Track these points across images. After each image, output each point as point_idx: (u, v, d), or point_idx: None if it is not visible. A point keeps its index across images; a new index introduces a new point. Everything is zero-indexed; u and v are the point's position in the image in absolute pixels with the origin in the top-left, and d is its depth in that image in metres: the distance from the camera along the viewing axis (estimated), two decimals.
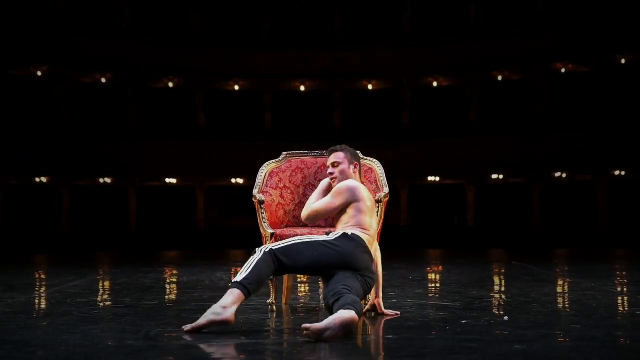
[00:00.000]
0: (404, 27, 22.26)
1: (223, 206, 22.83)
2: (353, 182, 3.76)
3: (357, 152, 4.06)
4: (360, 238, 3.56)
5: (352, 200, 3.68)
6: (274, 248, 3.40)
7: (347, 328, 2.95)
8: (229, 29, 22.48)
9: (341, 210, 3.72)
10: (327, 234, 3.60)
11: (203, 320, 3.16)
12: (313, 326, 2.89)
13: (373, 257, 3.67)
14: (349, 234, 3.55)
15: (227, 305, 3.17)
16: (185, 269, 8.70)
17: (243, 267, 3.33)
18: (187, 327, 3.18)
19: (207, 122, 22.24)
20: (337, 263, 3.43)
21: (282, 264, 3.36)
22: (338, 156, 3.90)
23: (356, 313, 3.00)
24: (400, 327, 3.34)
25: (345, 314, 2.95)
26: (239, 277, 3.27)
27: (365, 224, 3.64)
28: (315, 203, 3.82)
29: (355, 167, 3.90)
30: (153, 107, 22.25)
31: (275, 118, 22.54)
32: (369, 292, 3.57)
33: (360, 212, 3.65)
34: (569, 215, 21.13)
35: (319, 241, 3.49)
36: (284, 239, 4.14)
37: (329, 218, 4.07)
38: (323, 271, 3.47)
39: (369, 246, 3.60)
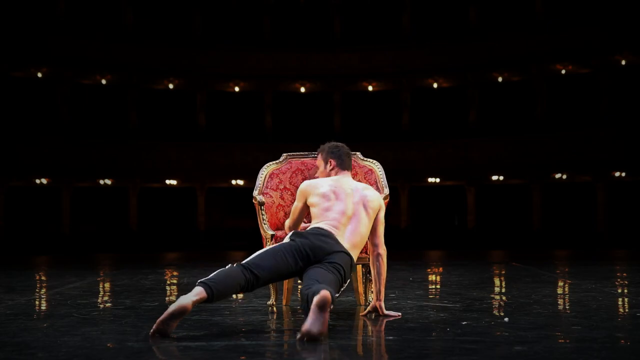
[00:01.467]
0: (404, 29, 22.28)
1: (223, 207, 22.84)
2: (307, 180, 3.90)
3: (337, 146, 3.99)
4: (320, 228, 3.58)
5: (307, 194, 3.78)
6: (243, 262, 3.42)
7: (324, 309, 2.93)
8: (230, 31, 22.51)
9: (308, 209, 3.82)
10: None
11: (164, 314, 3.11)
12: (301, 331, 2.90)
13: (340, 240, 3.60)
14: (309, 229, 3.61)
15: (184, 297, 3.15)
16: (186, 270, 8.69)
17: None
18: (152, 330, 3.11)
19: (207, 123, 22.26)
20: (297, 256, 3.45)
21: (255, 275, 3.35)
22: (317, 158, 4.03)
23: (327, 292, 2.99)
24: (400, 329, 3.34)
25: (316, 299, 2.95)
26: (203, 279, 3.26)
27: (329, 214, 3.66)
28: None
29: (330, 164, 3.92)
30: (154, 109, 22.27)
31: (276, 119, 22.56)
32: (347, 274, 3.51)
33: (321, 203, 3.71)
34: (569, 216, 21.14)
35: (279, 244, 3.55)
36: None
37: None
38: (292, 271, 3.46)
39: (333, 231, 3.59)
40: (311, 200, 3.76)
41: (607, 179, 20.16)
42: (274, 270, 3.42)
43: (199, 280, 3.26)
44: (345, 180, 3.85)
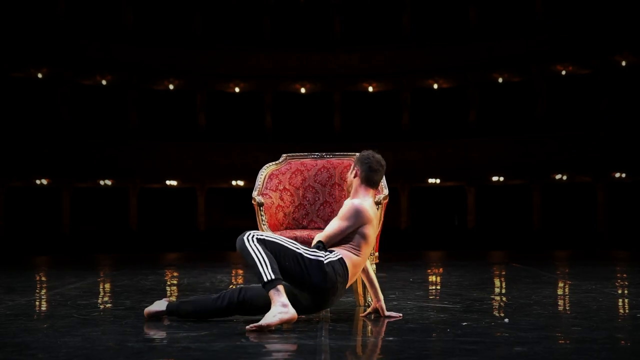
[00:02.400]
0: (404, 29, 22.28)
1: (223, 207, 22.84)
2: (360, 205, 3.58)
3: (369, 156, 3.75)
4: (342, 266, 3.48)
5: (361, 223, 3.56)
6: (259, 237, 3.37)
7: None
8: (230, 31, 22.51)
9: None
10: (319, 247, 3.53)
11: (274, 319, 3.22)
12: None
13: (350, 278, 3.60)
14: (334, 264, 3.45)
15: (287, 303, 3.26)
16: (186, 271, 8.69)
17: (256, 262, 3.31)
18: (252, 326, 3.23)
19: (207, 123, 22.26)
20: (294, 281, 3.42)
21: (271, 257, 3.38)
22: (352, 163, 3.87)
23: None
24: (400, 329, 3.34)
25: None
26: (269, 273, 3.28)
27: (362, 244, 3.56)
28: (327, 229, 3.63)
29: (354, 172, 3.73)
30: (154, 109, 22.27)
31: (276, 119, 22.56)
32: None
33: (365, 237, 3.56)
34: (569, 216, 21.14)
35: (299, 253, 3.43)
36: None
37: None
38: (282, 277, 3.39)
39: (352, 272, 3.54)
40: (367, 230, 3.56)
41: (607, 179, 20.15)
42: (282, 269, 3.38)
43: (268, 280, 3.30)
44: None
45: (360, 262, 3.60)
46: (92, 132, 21.39)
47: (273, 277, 3.27)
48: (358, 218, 3.55)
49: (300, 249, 3.45)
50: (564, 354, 2.68)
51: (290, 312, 3.24)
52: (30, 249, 18.49)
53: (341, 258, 3.50)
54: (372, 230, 3.60)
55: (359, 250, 3.56)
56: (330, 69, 22.06)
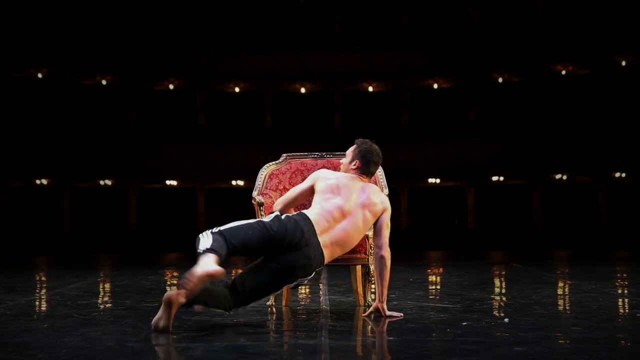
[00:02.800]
0: (404, 29, 22.28)
1: (223, 207, 22.84)
2: (326, 169, 3.97)
3: (370, 150, 3.94)
4: (305, 217, 3.54)
5: (317, 178, 3.81)
6: (220, 229, 3.43)
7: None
8: (230, 31, 22.51)
9: (312, 195, 3.81)
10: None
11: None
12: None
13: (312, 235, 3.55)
14: (290, 215, 3.59)
15: (211, 262, 3.28)
16: (186, 271, 8.68)
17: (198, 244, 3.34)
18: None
19: (207, 123, 22.26)
20: (263, 242, 3.42)
21: (232, 244, 3.38)
22: (349, 149, 3.99)
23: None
24: (400, 329, 3.35)
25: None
26: (205, 244, 3.31)
27: (325, 204, 3.66)
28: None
29: (355, 164, 3.91)
30: (154, 109, 22.27)
31: (276, 119, 22.56)
32: (298, 272, 3.49)
33: (324, 191, 3.72)
34: (569, 216, 21.13)
35: (257, 221, 3.52)
36: None
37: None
38: (256, 251, 3.46)
39: (321, 225, 3.57)
40: (318, 184, 3.78)
41: (607, 179, 20.15)
42: (241, 245, 3.40)
43: (200, 250, 3.30)
44: (356, 181, 3.85)
45: (326, 215, 3.60)
46: (92, 132, 21.38)
47: (207, 247, 3.30)
48: (314, 175, 3.85)
49: (259, 220, 3.55)
50: (564, 354, 2.68)
51: (216, 267, 3.25)
52: (30, 249, 18.49)
53: (301, 212, 3.62)
54: (324, 184, 3.74)
55: (317, 205, 3.67)
56: (330, 69, 22.06)
